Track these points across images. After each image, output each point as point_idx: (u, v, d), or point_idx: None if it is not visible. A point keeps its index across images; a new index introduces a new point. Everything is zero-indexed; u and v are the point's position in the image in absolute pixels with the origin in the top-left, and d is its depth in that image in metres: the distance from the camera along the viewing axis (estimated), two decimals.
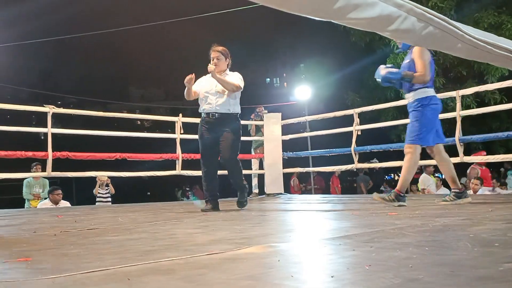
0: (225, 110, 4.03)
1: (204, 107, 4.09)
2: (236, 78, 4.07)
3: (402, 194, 3.68)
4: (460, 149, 5.60)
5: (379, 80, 3.86)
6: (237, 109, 4.11)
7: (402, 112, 9.61)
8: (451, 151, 6.34)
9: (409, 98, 3.82)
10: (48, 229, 2.83)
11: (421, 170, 7.79)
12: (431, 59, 3.78)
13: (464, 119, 5.92)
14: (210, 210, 3.95)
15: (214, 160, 4.07)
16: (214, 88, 4.05)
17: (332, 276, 1.15)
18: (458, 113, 5.73)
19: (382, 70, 3.81)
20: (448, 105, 8.95)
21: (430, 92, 3.73)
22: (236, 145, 4.06)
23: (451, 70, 9.90)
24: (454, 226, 2.18)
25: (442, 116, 6.79)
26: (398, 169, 12.69)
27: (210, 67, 3.99)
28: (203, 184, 4.11)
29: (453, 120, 5.84)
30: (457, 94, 5.84)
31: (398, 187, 3.69)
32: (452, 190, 3.83)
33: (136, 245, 1.91)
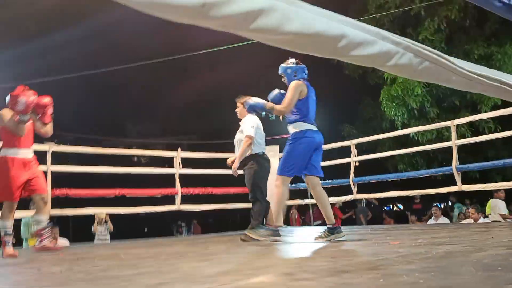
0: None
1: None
2: (245, 128, 4.56)
3: (276, 229, 3.79)
4: (458, 178, 5.66)
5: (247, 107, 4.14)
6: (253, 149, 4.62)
7: (398, 143, 9.74)
8: (449, 180, 6.41)
9: (289, 130, 3.92)
10: (52, 267, 2.83)
11: (491, 194, 7.24)
12: (309, 95, 3.88)
13: (460, 148, 6.01)
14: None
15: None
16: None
17: None
18: (454, 142, 5.82)
19: (251, 100, 4.11)
20: (443, 134, 9.10)
21: (304, 126, 3.78)
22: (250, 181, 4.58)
23: (445, 100, 10.09)
24: (457, 252, 2.22)
25: (438, 145, 6.95)
26: (396, 200, 12.72)
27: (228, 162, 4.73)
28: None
29: (449, 149, 5.93)
30: (451, 123, 5.95)
31: (271, 222, 3.82)
32: (327, 226, 3.79)
33: (144, 279, 1.93)
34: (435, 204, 8.57)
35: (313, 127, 3.85)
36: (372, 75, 11.31)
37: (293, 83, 3.82)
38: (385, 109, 10.07)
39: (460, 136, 7.95)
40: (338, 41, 1.03)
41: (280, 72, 4.01)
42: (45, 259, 3.67)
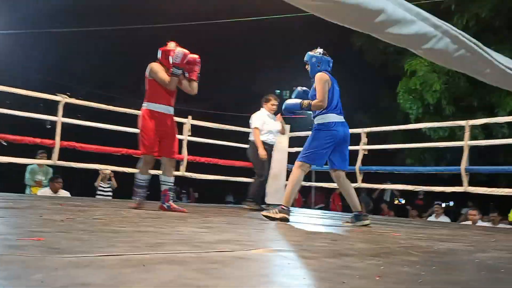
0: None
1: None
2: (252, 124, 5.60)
3: (286, 208, 3.74)
4: (465, 179, 5.59)
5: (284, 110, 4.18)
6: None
7: (409, 136, 9.63)
8: (456, 179, 6.35)
9: (315, 122, 3.97)
10: (54, 215, 2.85)
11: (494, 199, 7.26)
12: (333, 86, 3.90)
13: (471, 150, 5.92)
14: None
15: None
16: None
17: (343, 282, 1.17)
18: (466, 143, 5.74)
19: (286, 102, 4.14)
20: (455, 134, 8.98)
21: (330, 117, 3.81)
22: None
23: (463, 100, 9.93)
24: (459, 251, 2.20)
25: (450, 144, 6.85)
26: (403, 194, 12.69)
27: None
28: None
29: (459, 149, 5.85)
30: (466, 123, 5.85)
31: (283, 201, 3.77)
32: (353, 213, 3.87)
33: (144, 237, 1.93)
34: (437, 202, 8.51)
35: (340, 119, 3.87)
36: (392, 65, 11.13)
37: (318, 76, 3.85)
38: (401, 101, 9.94)
39: (473, 137, 7.84)
40: (376, 15, 0.98)
41: (305, 59, 4.03)
42: (47, 207, 3.71)
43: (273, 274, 1.25)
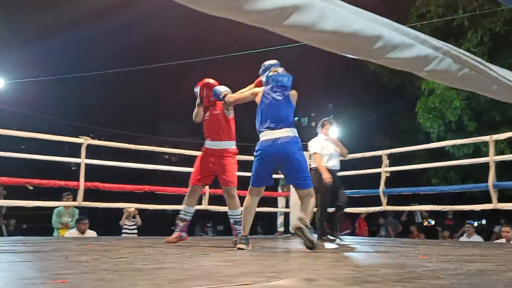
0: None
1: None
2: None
3: (244, 237, 3.69)
4: (494, 195, 5.44)
5: None
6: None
7: (433, 156, 9.49)
8: (485, 197, 6.18)
9: None
10: (79, 256, 2.88)
11: None
12: (264, 102, 3.76)
13: (498, 165, 5.77)
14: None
15: None
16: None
17: None
18: (492, 158, 5.61)
19: (217, 87, 4.22)
20: (481, 150, 8.80)
21: (260, 137, 3.71)
22: None
23: (484, 115, 9.77)
24: (488, 271, 2.13)
25: (475, 160, 6.69)
26: (432, 215, 12.40)
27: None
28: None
29: (486, 165, 5.72)
30: (490, 138, 5.74)
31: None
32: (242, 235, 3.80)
33: (166, 274, 1.94)
34: (468, 221, 8.27)
35: (266, 136, 3.63)
36: (410, 86, 11.09)
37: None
38: (421, 120, 9.84)
39: (499, 152, 7.66)
40: (374, 42, 1.00)
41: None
42: (73, 248, 3.76)
43: None
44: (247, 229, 3.73)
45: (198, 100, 4.30)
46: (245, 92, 3.96)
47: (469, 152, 9.13)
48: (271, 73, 3.82)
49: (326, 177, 5.21)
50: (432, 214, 12.34)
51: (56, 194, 6.82)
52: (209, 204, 6.66)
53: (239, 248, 3.62)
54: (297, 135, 3.66)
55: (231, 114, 4.24)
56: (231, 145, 4.26)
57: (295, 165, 3.57)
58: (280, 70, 3.84)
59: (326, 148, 5.51)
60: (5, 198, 7.88)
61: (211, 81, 4.31)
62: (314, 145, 5.54)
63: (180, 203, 6.66)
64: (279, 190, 7.55)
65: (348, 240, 6.57)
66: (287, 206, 7.35)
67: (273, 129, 3.59)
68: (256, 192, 3.74)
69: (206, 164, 4.21)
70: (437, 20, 9.63)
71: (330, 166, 5.46)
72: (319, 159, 5.39)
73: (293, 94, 3.80)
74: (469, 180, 9.94)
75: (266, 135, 3.61)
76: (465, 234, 7.73)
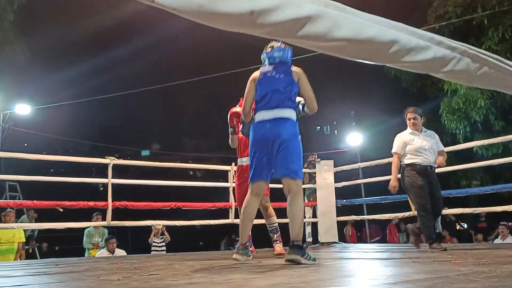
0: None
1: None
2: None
3: (242, 245, 3.48)
4: None
5: None
6: None
7: (460, 158, 9.29)
8: None
9: None
10: (111, 275, 2.92)
11: None
12: (261, 82, 3.34)
13: None
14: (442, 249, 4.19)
15: None
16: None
17: None
18: None
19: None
20: (510, 149, 8.59)
21: (255, 118, 3.33)
22: None
23: (511, 113, 9.55)
24: None
25: (504, 160, 6.51)
26: (460, 217, 12.10)
27: None
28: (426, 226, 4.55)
29: None
30: None
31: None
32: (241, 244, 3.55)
33: None
34: (502, 223, 8.04)
35: (263, 117, 3.24)
36: (432, 87, 10.94)
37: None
38: (446, 121, 9.67)
39: None
40: (389, 47, 1.00)
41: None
42: (105, 268, 3.81)
43: None
44: (245, 236, 3.39)
45: (230, 130, 4.45)
46: (246, 94, 3.43)
47: (498, 152, 8.92)
48: (267, 50, 3.45)
49: (392, 184, 4.79)
50: (465, 217, 12.05)
51: (85, 215, 6.95)
52: (235, 218, 6.66)
53: (234, 259, 3.43)
54: (295, 119, 3.29)
55: None
56: None
57: (290, 150, 3.14)
58: (276, 44, 3.41)
59: (411, 143, 4.68)
60: (36, 221, 8.08)
61: (238, 109, 4.38)
62: (395, 142, 4.84)
63: (207, 219, 6.72)
64: (305, 200, 7.52)
65: (378, 247, 6.47)
66: (314, 216, 7.31)
67: (272, 108, 3.20)
68: (255, 188, 3.31)
69: (243, 181, 4.47)
70: (456, 20, 9.50)
71: (418, 161, 4.63)
72: (394, 161, 4.81)
73: (296, 70, 3.33)
74: (499, 180, 9.70)
75: (261, 116, 3.25)
76: (500, 236, 7.53)
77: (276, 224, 4.53)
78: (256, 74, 3.39)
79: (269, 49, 3.43)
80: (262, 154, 3.21)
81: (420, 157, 4.62)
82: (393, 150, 4.80)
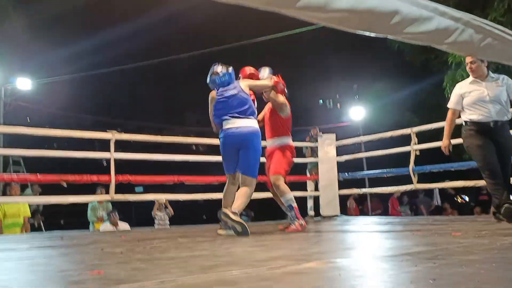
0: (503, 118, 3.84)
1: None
2: None
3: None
4: None
5: None
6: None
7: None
8: None
9: None
10: (114, 248, 2.97)
11: None
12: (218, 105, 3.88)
13: None
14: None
15: None
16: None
17: None
18: None
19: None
20: None
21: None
22: None
23: None
24: None
25: None
26: (460, 190, 12.15)
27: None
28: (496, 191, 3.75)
29: None
30: None
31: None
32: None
33: (198, 261, 1.98)
34: None
35: (226, 125, 3.84)
36: (435, 61, 10.81)
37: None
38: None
39: None
40: (391, 17, 0.98)
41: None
42: (108, 240, 3.87)
43: (324, 286, 1.24)
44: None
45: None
46: (209, 111, 4.01)
47: None
48: (213, 77, 3.91)
49: (444, 143, 4.27)
50: (467, 190, 12.09)
51: (89, 189, 7.00)
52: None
53: (219, 234, 3.78)
54: (257, 126, 3.89)
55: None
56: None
57: (251, 154, 3.83)
58: (219, 69, 3.89)
59: (469, 95, 3.91)
60: (40, 195, 8.15)
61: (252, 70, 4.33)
62: (451, 96, 4.13)
63: (210, 192, 6.75)
64: (307, 174, 7.54)
65: (380, 220, 6.53)
66: (316, 189, 7.34)
67: (238, 117, 3.77)
68: (231, 179, 3.97)
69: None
70: None
71: (478, 118, 3.87)
72: (449, 117, 4.15)
73: (244, 82, 3.90)
74: None
75: (230, 124, 3.79)
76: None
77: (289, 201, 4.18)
78: (213, 94, 3.89)
79: (214, 75, 3.88)
80: (229, 155, 3.95)
81: (479, 111, 3.84)
82: (448, 105, 4.10)
